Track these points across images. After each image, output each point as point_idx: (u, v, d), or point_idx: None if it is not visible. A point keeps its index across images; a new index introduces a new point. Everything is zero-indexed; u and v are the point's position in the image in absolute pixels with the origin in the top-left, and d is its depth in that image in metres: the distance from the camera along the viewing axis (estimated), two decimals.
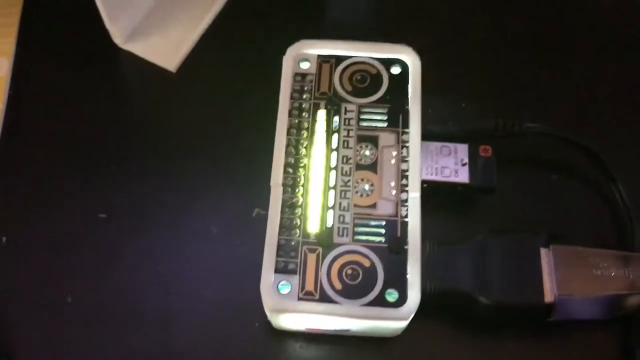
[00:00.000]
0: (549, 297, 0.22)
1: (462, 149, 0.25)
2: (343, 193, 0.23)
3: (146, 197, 0.26)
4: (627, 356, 0.24)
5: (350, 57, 0.26)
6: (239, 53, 0.29)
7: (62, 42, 0.30)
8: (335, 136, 0.24)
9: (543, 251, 0.23)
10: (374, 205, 0.23)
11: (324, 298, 0.22)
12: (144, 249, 0.26)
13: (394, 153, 0.24)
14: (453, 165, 0.25)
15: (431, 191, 0.24)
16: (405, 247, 0.22)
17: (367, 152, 0.24)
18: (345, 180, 0.24)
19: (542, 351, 0.24)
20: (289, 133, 0.24)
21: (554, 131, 0.26)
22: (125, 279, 0.25)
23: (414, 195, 0.23)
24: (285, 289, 0.22)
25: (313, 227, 0.23)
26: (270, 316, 0.23)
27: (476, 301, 0.23)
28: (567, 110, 0.28)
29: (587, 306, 0.23)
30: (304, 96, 0.25)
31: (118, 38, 0.29)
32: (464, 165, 0.25)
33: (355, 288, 0.22)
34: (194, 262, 0.25)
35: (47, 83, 0.29)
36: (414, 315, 0.22)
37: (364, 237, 0.23)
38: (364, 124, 0.24)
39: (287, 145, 0.24)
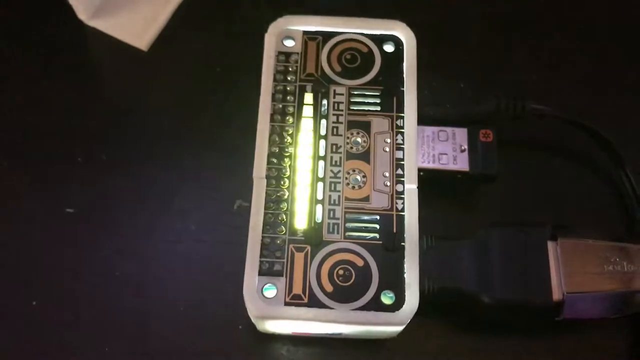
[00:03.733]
0: (557, 295, 0.21)
1: (461, 134, 0.24)
2: (333, 185, 0.22)
3: (117, 190, 0.25)
4: (639, 355, 0.23)
5: (339, 33, 0.24)
6: (216, 30, 0.27)
7: (19, 18, 0.27)
8: (323, 122, 0.22)
9: (550, 245, 0.22)
10: (367, 198, 0.21)
11: (314, 302, 0.20)
12: (116, 247, 0.24)
13: (388, 140, 0.22)
14: (451, 151, 0.23)
15: (427, 180, 0.22)
16: (402, 244, 0.21)
17: (359, 139, 0.22)
18: (335, 171, 0.22)
19: (549, 352, 0.23)
20: (272, 119, 0.22)
21: (561, 114, 0.24)
22: (96, 280, 0.23)
23: (411, 187, 0.21)
24: (270, 292, 0.20)
25: (300, 223, 0.21)
26: (255, 320, 0.21)
27: (478, 300, 0.21)
28: (571, 93, 0.26)
29: (598, 304, 0.21)
30: (289, 78, 0.23)
31: (82, 14, 0.27)
32: (463, 151, 0.23)
33: (348, 290, 0.20)
34: (171, 262, 0.23)
35: (3, 63, 0.27)
36: None
37: (357, 234, 0.21)
38: (355, 107, 0.23)
39: (271, 133, 0.22)
